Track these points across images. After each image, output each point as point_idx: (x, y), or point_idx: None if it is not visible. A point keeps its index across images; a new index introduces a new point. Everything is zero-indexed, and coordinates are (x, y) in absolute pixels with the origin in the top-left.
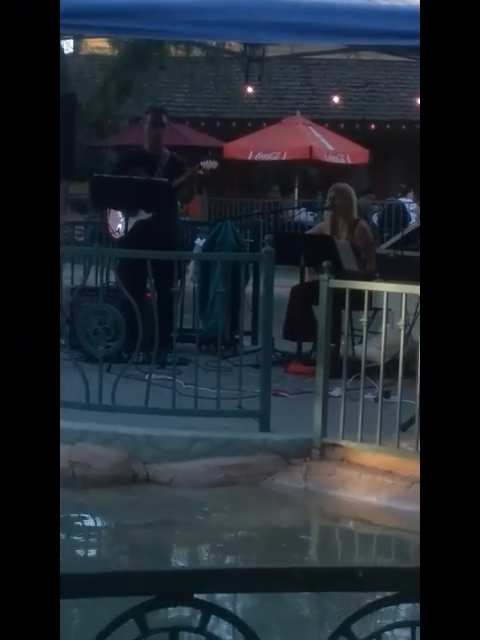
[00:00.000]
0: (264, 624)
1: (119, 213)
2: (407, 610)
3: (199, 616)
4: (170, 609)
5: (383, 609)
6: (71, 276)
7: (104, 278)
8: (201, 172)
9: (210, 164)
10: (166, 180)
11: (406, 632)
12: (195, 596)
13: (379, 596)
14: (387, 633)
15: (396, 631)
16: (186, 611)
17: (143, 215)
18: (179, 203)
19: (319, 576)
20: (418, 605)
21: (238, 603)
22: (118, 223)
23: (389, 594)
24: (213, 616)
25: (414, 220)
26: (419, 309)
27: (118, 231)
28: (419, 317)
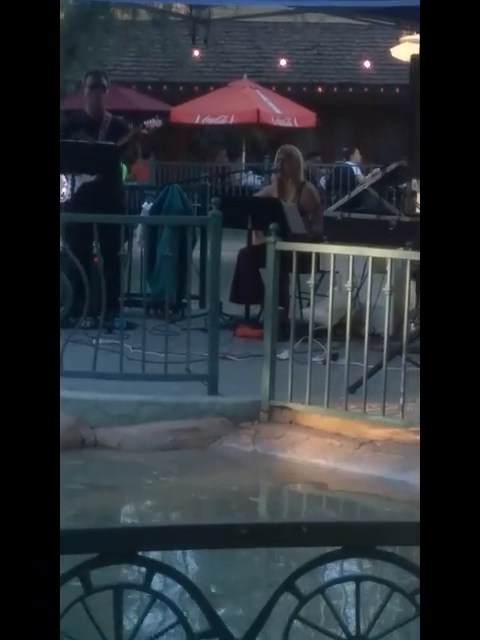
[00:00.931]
0: (209, 581)
1: (63, 177)
2: (351, 564)
3: (143, 574)
4: (115, 567)
5: (328, 564)
6: None
7: None
8: (145, 131)
9: (154, 123)
10: (110, 143)
11: (351, 586)
12: (139, 554)
13: (324, 551)
14: (332, 588)
15: (341, 585)
16: (131, 569)
17: (87, 178)
18: (125, 165)
19: (263, 531)
20: (362, 559)
21: (184, 562)
22: (62, 187)
23: (333, 549)
24: (158, 573)
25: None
26: (367, 271)
27: (62, 195)
28: (368, 279)
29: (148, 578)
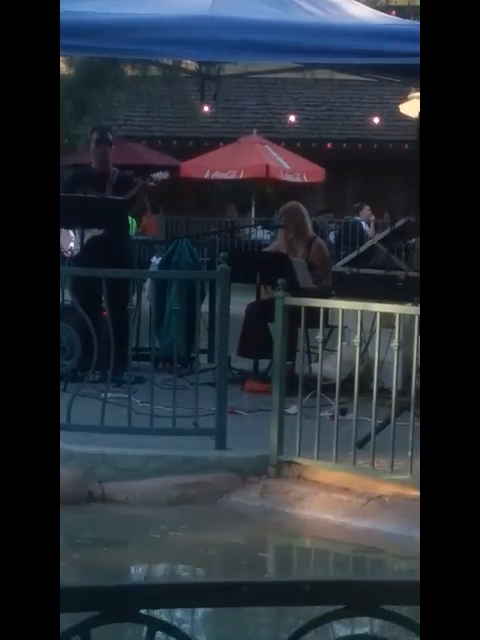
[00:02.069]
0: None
1: (70, 232)
2: (356, 623)
3: (145, 632)
4: (117, 625)
5: (333, 623)
6: None
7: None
8: (152, 184)
9: (161, 175)
10: (118, 197)
11: None
12: (141, 612)
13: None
14: None
15: None
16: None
17: (95, 233)
18: (133, 219)
19: (265, 590)
20: (365, 618)
21: (189, 619)
22: (70, 242)
23: (337, 607)
24: (159, 632)
25: (368, 237)
26: (375, 326)
27: (71, 250)
28: (376, 334)
29: (150, 637)
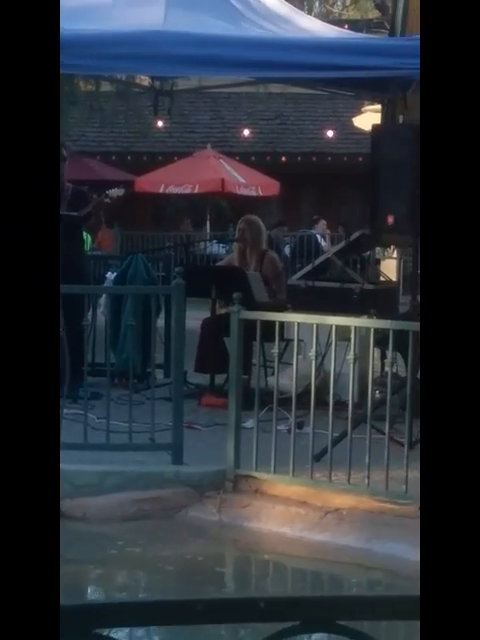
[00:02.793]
0: None
1: None
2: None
3: None
4: None
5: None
6: None
7: None
8: (107, 200)
9: (116, 192)
10: (73, 213)
11: None
12: (96, 631)
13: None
14: None
15: None
16: None
17: None
18: (88, 235)
19: (220, 607)
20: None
21: (147, 636)
22: None
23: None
24: None
25: (324, 250)
26: (331, 339)
27: None
28: (332, 347)
29: None
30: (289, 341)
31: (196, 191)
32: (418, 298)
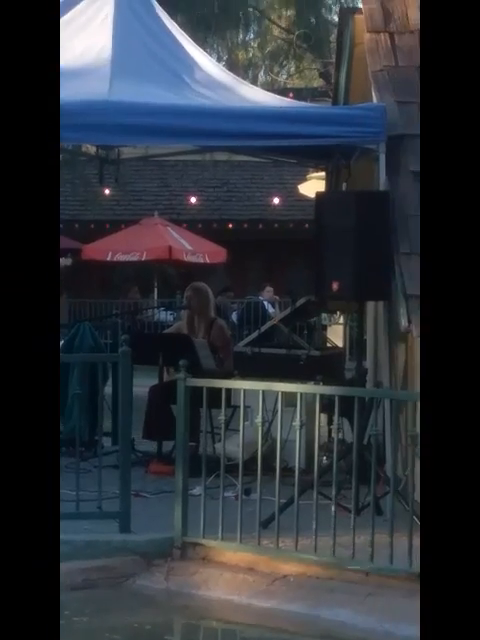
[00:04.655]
0: None
1: None
2: None
3: None
4: None
5: None
6: None
7: None
8: None
9: (63, 262)
10: None
11: None
12: None
13: None
14: None
15: None
16: None
17: None
18: None
19: None
20: None
21: None
22: None
23: None
24: None
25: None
26: (278, 406)
27: None
28: (278, 414)
29: None
30: (236, 408)
31: (143, 258)
32: (364, 364)
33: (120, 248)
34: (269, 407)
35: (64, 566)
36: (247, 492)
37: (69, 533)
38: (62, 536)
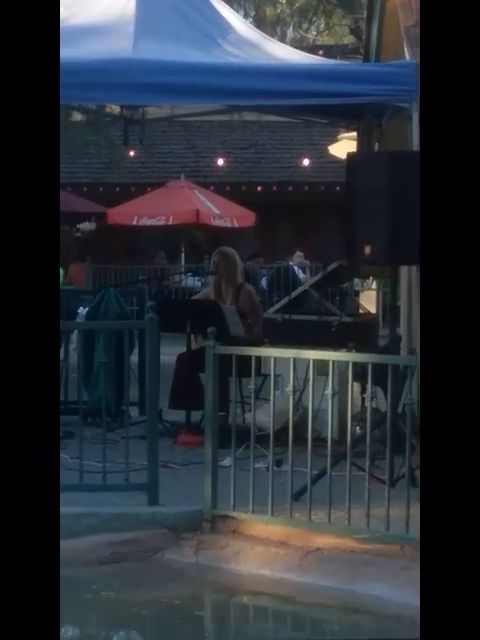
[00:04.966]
0: None
1: None
2: None
3: None
4: None
5: None
6: None
7: None
8: (79, 234)
9: (88, 226)
10: None
11: None
12: None
13: None
14: None
15: None
16: None
17: None
18: (60, 269)
19: None
20: None
21: None
22: None
23: None
24: None
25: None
26: (309, 374)
27: None
28: (310, 382)
29: None
30: (266, 376)
31: (170, 223)
32: (398, 331)
33: (146, 212)
34: (300, 375)
35: (91, 539)
36: (278, 463)
37: (96, 506)
38: (90, 509)
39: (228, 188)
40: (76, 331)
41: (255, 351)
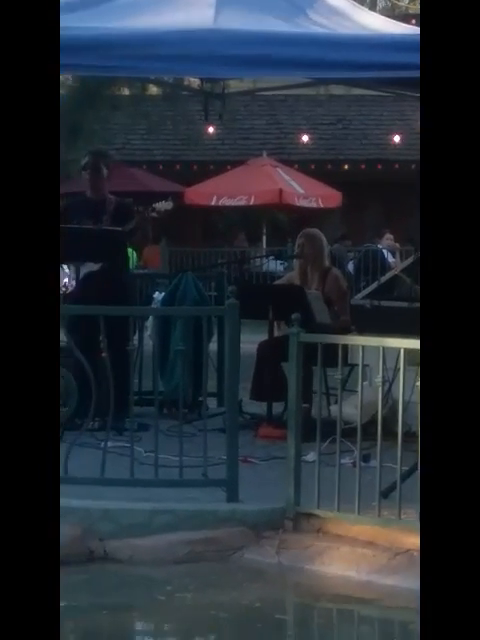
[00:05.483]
0: None
1: (64, 266)
2: None
3: None
4: None
5: None
6: None
7: None
8: (154, 215)
9: (164, 205)
10: (117, 228)
11: None
12: None
13: None
14: None
15: None
16: None
17: (92, 267)
18: (133, 251)
19: None
20: None
21: None
22: (64, 277)
23: None
24: None
25: (391, 267)
26: (399, 364)
27: (65, 286)
28: (400, 373)
29: None
30: (353, 366)
31: (251, 203)
32: None
33: (225, 191)
34: (390, 365)
35: (167, 538)
36: (366, 459)
37: (172, 502)
38: (166, 505)
39: (313, 166)
40: (151, 317)
41: (342, 339)
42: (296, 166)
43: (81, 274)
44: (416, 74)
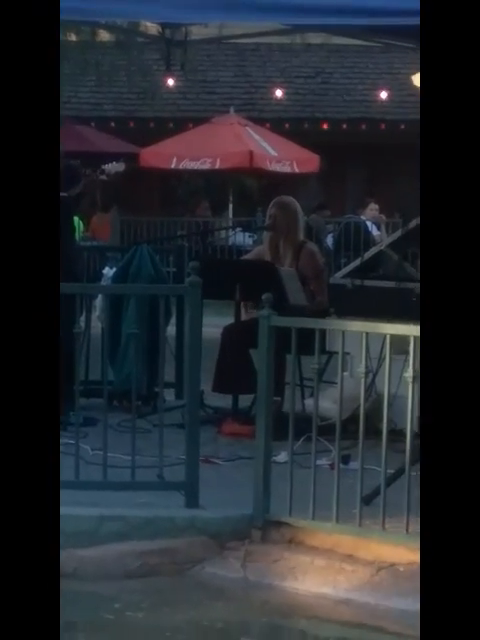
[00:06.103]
0: None
1: None
2: None
3: None
4: None
5: None
6: None
7: None
8: (104, 178)
9: (115, 167)
10: (61, 194)
11: None
12: None
13: None
14: None
15: None
16: None
17: None
18: (80, 220)
19: None
20: None
21: None
22: None
23: None
24: None
25: (377, 240)
26: (385, 353)
27: None
28: (386, 362)
29: None
30: (332, 354)
31: (216, 167)
32: None
33: (187, 153)
34: (374, 354)
35: (116, 548)
36: (345, 460)
37: (123, 507)
38: (116, 511)
39: (287, 125)
40: (100, 296)
41: (319, 323)
42: (268, 125)
43: None
44: (407, 21)
